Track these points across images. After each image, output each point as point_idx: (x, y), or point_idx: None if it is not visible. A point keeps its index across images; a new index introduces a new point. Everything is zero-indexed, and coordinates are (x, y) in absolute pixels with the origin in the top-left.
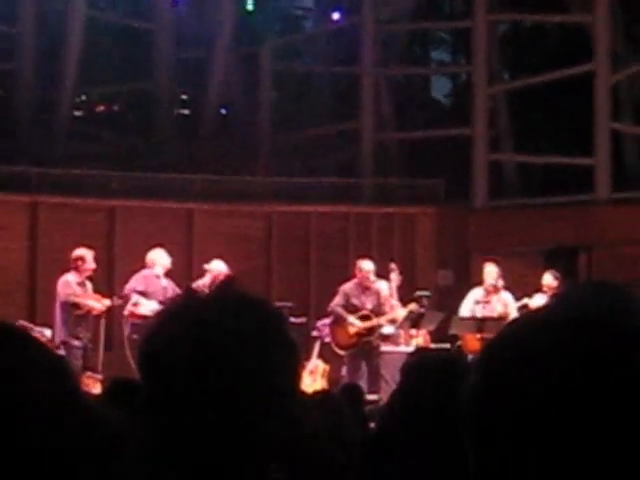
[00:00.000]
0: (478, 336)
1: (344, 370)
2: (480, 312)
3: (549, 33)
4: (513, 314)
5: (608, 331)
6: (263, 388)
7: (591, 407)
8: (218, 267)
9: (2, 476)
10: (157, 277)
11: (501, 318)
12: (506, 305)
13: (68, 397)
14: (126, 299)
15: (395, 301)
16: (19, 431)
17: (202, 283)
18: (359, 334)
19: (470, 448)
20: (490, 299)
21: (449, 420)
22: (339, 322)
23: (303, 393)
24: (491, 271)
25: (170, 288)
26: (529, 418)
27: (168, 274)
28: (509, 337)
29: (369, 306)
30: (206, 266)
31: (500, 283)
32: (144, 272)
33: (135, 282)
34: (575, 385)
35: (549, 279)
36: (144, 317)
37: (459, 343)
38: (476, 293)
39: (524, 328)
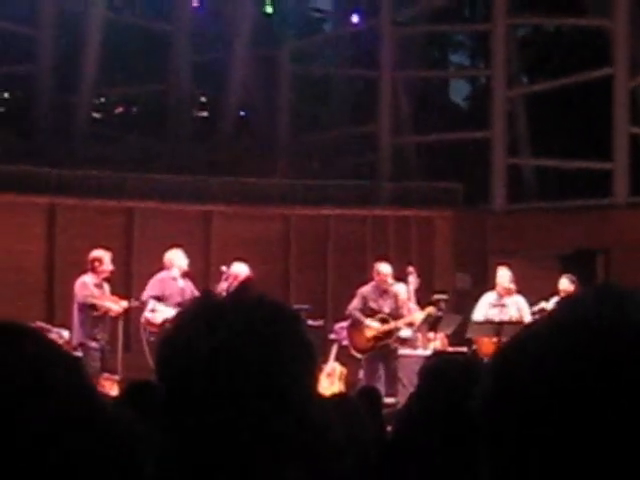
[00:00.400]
0: (493, 340)
1: (361, 373)
2: (497, 316)
3: (568, 37)
4: (527, 318)
5: (617, 334)
6: (280, 390)
7: (599, 411)
8: (239, 269)
9: (14, 475)
10: (174, 279)
11: (518, 322)
12: (520, 309)
13: (82, 397)
14: (143, 306)
15: (413, 304)
16: (32, 431)
17: (221, 286)
18: (376, 337)
19: (483, 450)
20: (506, 303)
21: (466, 424)
22: (357, 325)
23: (320, 396)
24: (504, 275)
25: (188, 289)
26: (538, 421)
27: (186, 275)
28: (521, 340)
29: (387, 309)
30: (224, 268)
31: (513, 287)
32: (160, 275)
33: (151, 288)
34: (584, 388)
35: (565, 283)
36: (157, 325)
37: (474, 347)
38: (489, 297)
39: (536, 332)
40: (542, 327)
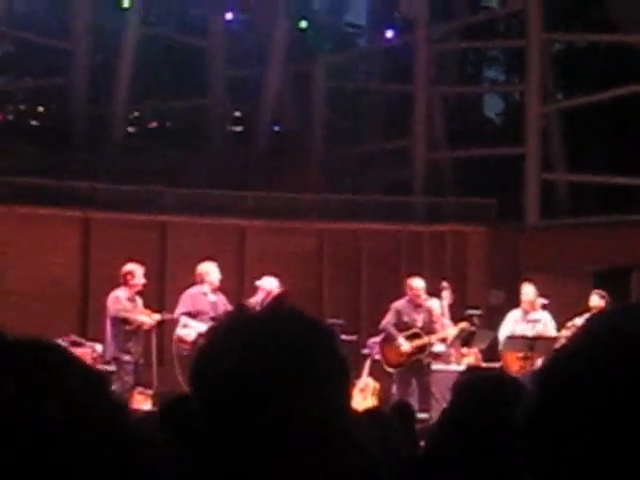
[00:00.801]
0: (519, 355)
1: (394, 388)
2: (530, 331)
3: (602, 52)
4: (553, 333)
5: None
6: (314, 405)
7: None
8: (270, 284)
9: None
10: (204, 294)
11: (551, 338)
12: (545, 324)
13: (104, 416)
14: (175, 323)
15: (447, 320)
16: (51, 450)
17: (254, 300)
18: (409, 352)
19: (525, 465)
20: (536, 318)
21: (500, 440)
22: (389, 340)
23: (354, 411)
24: (528, 292)
25: (220, 303)
26: (579, 435)
27: (218, 289)
28: (561, 357)
29: (420, 324)
30: (258, 283)
31: (539, 302)
32: (191, 291)
33: (183, 304)
34: (618, 402)
35: (596, 300)
36: (190, 342)
37: (500, 363)
38: (515, 314)
39: (574, 348)
40: (579, 343)
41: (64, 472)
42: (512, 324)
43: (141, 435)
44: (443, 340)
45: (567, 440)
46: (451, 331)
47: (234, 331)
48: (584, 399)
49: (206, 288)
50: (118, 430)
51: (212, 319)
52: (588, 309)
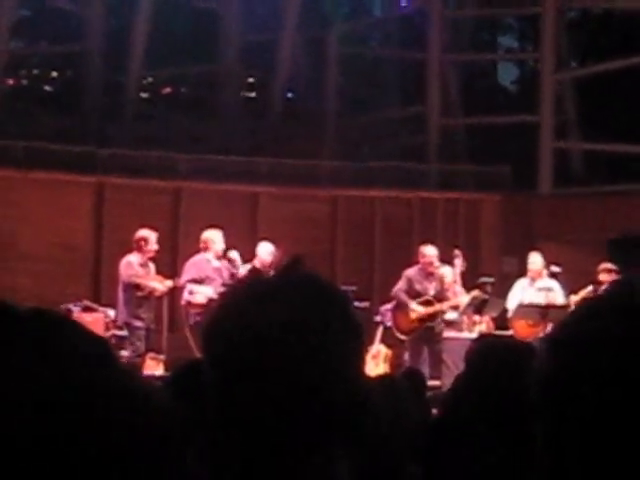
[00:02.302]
0: (529, 323)
1: (406, 355)
2: (542, 299)
3: (617, 20)
4: (560, 300)
5: None
6: (328, 369)
7: None
8: (266, 249)
9: (46, 466)
10: (207, 261)
11: (564, 306)
12: (555, 292)
13: (112, 383)
14: (181, 290)
15: (459, 287)
16: (60, 420)
17: (250, 265)
18: (421, 319)
19: (541, 431)
20: (550, 287)
21: (515, 405)
22: (401, 307)
23: (366, 377)
24: (536, 261)
25: (224, 268)
26: (598, 399)
27: (222, 256)
28: (577, 322)
29: (432, 292)
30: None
31: (550, 270)
32: (194, 259)
33: (187, 272)
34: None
35: (605, 275)
36: (201, 305)
37: (510, 331)
38: (522, 283)
39: (590, 313)
40: (592, 308)
41: (77, 441)
42: (520, 292)
43: (156, 401)
44: (455, 308)
45: (580, 404)
46: (463, 299)
47: (248, 294)
48: (596, 362)
49: (209, 255)
50: (130, 396)
51: (223, 285)
52: (598, 280)
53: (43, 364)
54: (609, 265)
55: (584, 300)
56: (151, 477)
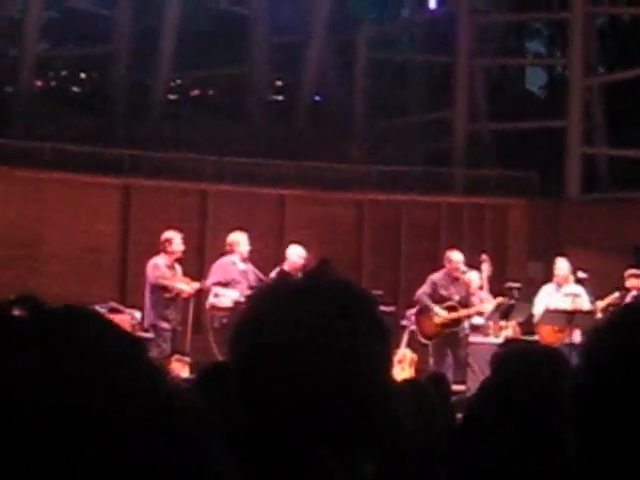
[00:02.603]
0: (555, 328)
1: (431, 360)
2: (569, 305)
3: None
4: (586, 306)
5: None
6: (355, 373)
7: None
8: (296, 252)
9: (71, 463)
10: (233, 264)
11: (590, 312)
12: (581, 298)
13: (144, 380)
14: (207, 292)
15: (485, 292)
16: (92, 416)
17: (284, 268)
18: (444, 324)
19: (573, 433)
20: (577, 292)
21: (541, 411)
22: (424, 311)
23: (392, 380)
24: (562, 267)
25: (250, 272)
26: (631, 403)
27: (252, 258)
28: (612, 327)
29: (457, 297)
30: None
31: (576, 276)
32: (220, 261)
33: (213, 274)
34: None
35: (633, 281)
36: (227, 308)
37: (536, 336)
38: (548, 288)
39: (626, 319)
40: (624, 317)
41: (107, 437)
42: (546, 298)
43: (184, 400)
44: (479, 314)
45: (613, 411)
46: (487, 306)
47: (276, 298)
48: (630, 371)
49: (235, 258)
50: (160, 393)
51: (249, 288)
52: (625, 286)
53: (74, 361)
54: (636, 271)
55: (614, 307)
56: (176, 477)
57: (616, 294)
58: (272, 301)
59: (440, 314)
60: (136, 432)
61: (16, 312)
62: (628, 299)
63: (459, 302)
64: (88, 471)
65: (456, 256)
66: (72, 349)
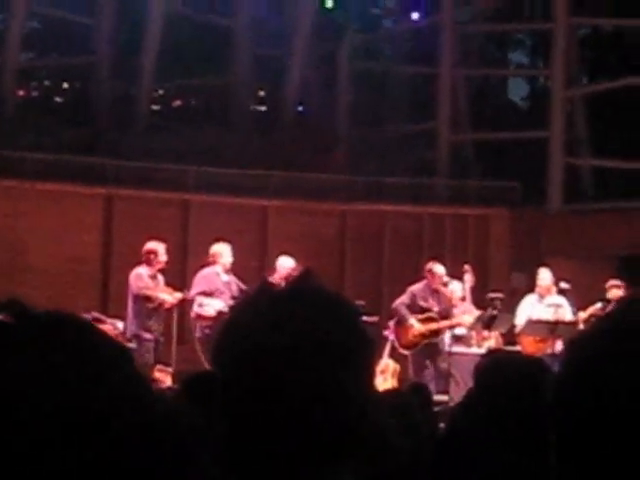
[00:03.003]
0: (537, 339)
1: (410, 370)
2: (551, 315)
3: (628, 37)
4: (568, 317)
5: None
6: (337, 383)
7: None
8: (285, 264)
9: (62, 464)
10: (217, 274)
11: (573, 322)
12: (564, 308)
13: (131, 386)
14: (191, 302)
15: (468, 303)
16: (89, 419)
17: (272, 279)
18: (422, 335)
19: (555, 440)
20: (559, 303)
21: (526, 421)
22: (401, 321)
23: (374, 390)
24: (545, 277)
25: (233, 283)
26: (615, 410)
27: (235, 269)
28: (594, 336)
29: (436, 309)
30: (277, 262)
31: (559, 286)
32: (204, 272)
33: (197, 285)
34: None
35: (614, 291)
36: (211, 318)
37: (518, 347)
38: (531, 299)
39: (607, 327)
40: (605, 325)
41: (104, 440)
42: (529, 308)
43: (168, 403)
44: (458, 325)
45: (595, 418)
46: (467, 318)
47: (259, 306)
48: (610, 378)
49: (218, 268)
50: (151, 398)
51: (232, 298)
52: (607, 297)
53: (68, 365)
54: (618, 282)
55: (595, 317)
56: (165, 477)
57: (598, 305)
58: (255, 309)
59: (415, 326)
60: (132, 435)
61: (1, 317)
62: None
63: (439, 313)
64: (85, 474)
65: (438, 269)
66: (67, 353)
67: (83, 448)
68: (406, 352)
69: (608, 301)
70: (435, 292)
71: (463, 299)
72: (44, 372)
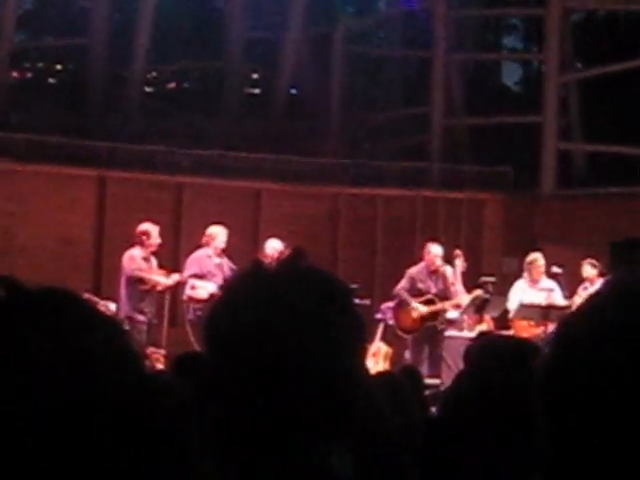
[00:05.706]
0: (531, 323)
1: (407, 353)
2: (544, 300)
3: (622, 22)
4: (559, 301)
5: None
6: (329, 363)
7: None
8: (274, 245)
9: (59, 436)
10: (209, 257)
11: (565, 306)
12: (556, 292)
13: (125, 360)
14: (183, 284)
15: (460, 287)
16: (78, 390)
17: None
18: (423, 318)
19: (544, 421)
20: (551, 287)
21: (517, 403)
22: (403, 306)
23: (367, 373)
24: (535, 261)
25: (225, 265)
26: (602, 388)
27: (228, 252)
28: (581, 314)
29: (434, 290)
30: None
31: (552, 270)
32: (196, 254)
33: (189, 267)
34: None
35: (588, 269)
36: (203, 300)
37: (511, 331)
38: (521, 283)
39: (594, 305)
40: (593, 303)
41: (83, 417)
42: (520, 293)
43: (162, 378)
44: (457, 307)
45: (585, 397)
46: (465, 298)
47: (251, 285)
48: (600, 356)
49: (211, 251)
50: (147, 372)
51: (224, 280)
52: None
53: (55, 338)
54: (593, 260)
55: (589, 296)
56: (158, 452)
57: (592, 290)
58: (243, 292)
59: (418, 309)
60: (125, 407)
61: None
62: (581, 290)
63: (437, 295)
64: (78, 443)
65: (435, 249)
66: (61, 327)
67: (77, 419)
68: (406, 336)
69: (582, 280)
70: (433, 273)
71: (453, 284)
72: (39, 345)
